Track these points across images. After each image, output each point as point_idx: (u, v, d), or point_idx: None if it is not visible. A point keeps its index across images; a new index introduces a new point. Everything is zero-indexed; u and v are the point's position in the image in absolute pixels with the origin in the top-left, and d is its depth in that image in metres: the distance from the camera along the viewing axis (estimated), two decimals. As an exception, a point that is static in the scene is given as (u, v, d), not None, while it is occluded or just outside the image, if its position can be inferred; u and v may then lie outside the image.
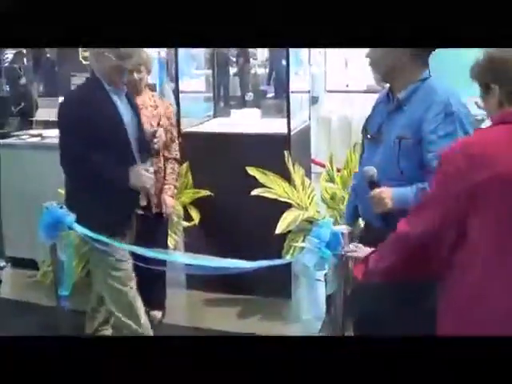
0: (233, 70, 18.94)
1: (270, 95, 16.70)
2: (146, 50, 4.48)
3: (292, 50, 5.53)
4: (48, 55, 8.15)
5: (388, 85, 3.18)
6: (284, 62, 5.72)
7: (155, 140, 4.06)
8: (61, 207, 3.53)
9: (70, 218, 3.50)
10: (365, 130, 3.23)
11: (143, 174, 3.68)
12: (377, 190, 2.95)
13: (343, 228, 2.83)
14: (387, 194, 2.94)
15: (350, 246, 2.75)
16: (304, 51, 6.78)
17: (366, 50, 3.12)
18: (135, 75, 4.34)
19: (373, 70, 3.12)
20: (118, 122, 3.65)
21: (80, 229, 3.53)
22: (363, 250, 2.67)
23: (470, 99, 3.34)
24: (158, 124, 4.42)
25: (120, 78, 3.68)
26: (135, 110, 3.88)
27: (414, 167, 2.98)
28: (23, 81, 7.58)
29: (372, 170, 2.96)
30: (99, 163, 3.56)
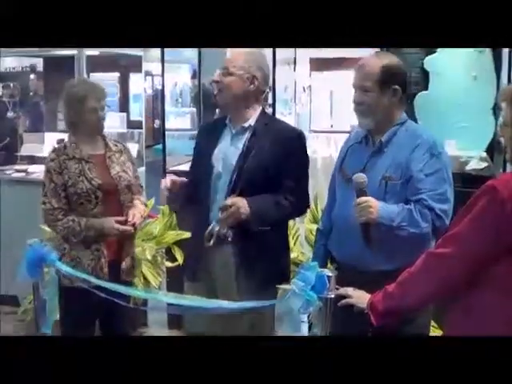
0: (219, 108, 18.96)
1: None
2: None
3: (277, 90, 5.58)
4: (35, 89, 8.11)
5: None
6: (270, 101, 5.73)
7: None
8: (44, 245, 3.51)
9: (54, 255, 3.48)
10: (341, 171, 3.28)
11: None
12: (364, 198, 2.98)
13: (329, 271, 2.83)
14: (374, 204, 2.98)
15: (341, 289, 2.75)
16: (290, 90, 6.82)
17: (352, 94, 3.19)
18: (100, 113, 3.90)
19: (364, 115, 3.18)
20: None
21: (63, 267, 3.51)
22: (358, 296, 2.68)
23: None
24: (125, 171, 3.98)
25: None
26: None
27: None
28: (10, 115, 7.54)
29: (363, 178, 3.00)
30: None
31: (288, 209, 3.42)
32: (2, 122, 7.50)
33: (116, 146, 4.05)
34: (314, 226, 4.89)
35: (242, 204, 3.26)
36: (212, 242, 3.34)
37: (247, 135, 3.46)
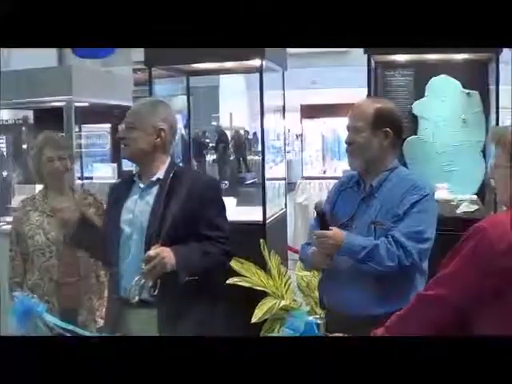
0: (211, 157, 19.11)
1: (248, 182, 16.76)
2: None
3: (270, 138, 5.59)
4: (27, 141, 8.13)
5: (354, 171, 3.27)
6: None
7: None
8: (32, 297, 3.48)
9: (41, 307, 3.45)
10: (332, 216, 3.22)
11: None
12: (326, 233, 3.02)
13: (317, 318, 2.80)
14: (337, 238, 3.01)
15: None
16: (282, 138, 6.84)
17: (345, 135, 3.22)
18: (57, 163, 3.95)
19: (354, 155, 3.18)
20: None
21: (50, 318, 3.47)
22: None
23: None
24: None
25: None
26: None
27: None
28: (2, 168, 7.55)
29: (322, 204, 3.11)
30: None
31: (214, 256, 3.24)
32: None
33: (85, 199, 4.07)
34: (306, 273, 4.89)
35: (166, 254, 3.04)
36: (137, 297, 3.08)
37: (156, 189, 3.27)
